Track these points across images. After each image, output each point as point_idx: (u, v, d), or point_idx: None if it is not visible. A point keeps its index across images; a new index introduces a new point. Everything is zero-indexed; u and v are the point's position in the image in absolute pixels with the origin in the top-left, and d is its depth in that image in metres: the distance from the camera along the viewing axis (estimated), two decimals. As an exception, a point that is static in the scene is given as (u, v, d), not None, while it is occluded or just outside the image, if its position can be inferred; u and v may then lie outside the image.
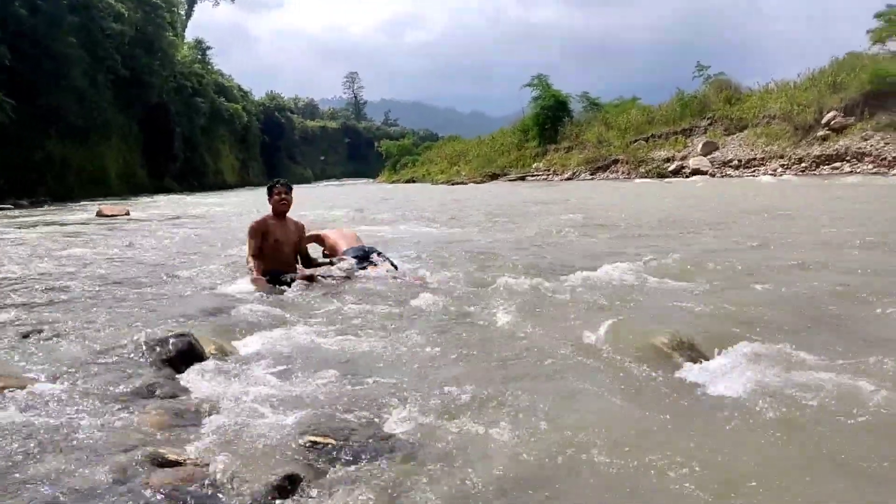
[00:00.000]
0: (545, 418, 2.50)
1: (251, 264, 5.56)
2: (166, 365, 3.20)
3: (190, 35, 59.38)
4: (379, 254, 5.97)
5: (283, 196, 5.66)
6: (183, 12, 55.65)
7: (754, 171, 24.67)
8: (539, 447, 2.27)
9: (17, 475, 2.05)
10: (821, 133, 23.92)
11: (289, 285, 5.21)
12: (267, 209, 5.86)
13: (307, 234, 6.19)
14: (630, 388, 2.82)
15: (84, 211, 19.00)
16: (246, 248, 5.81)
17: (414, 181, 44.60)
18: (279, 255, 5.54)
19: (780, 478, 2.05)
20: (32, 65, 30.21)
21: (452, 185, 35.11)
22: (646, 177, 27.85)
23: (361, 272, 5.64)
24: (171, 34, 46.71)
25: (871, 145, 21.89)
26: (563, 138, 36.37)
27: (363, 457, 2.22)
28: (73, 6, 32.67)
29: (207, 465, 2.14)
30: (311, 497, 1.98)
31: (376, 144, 69.36)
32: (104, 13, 35.78)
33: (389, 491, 2.02)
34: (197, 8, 62.86)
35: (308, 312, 4.37)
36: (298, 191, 6.00)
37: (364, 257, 5.87)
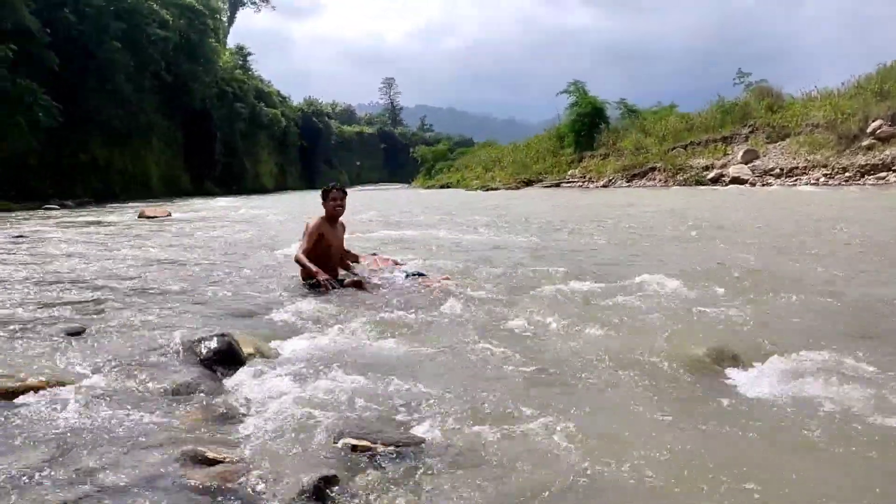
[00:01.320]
0: (583, 426, 2.47)
1: (305, 261, 5.47)
2: (206, 365, 3.25)
3: (231, 41, 60.54)
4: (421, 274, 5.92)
5: (340, 201, 5.70)
6: (225, 19, 56.73)
7: (796, 181, 24.12)
8: (576, 455, 2.25)
9: (60, 470, 2.10)
10: (866, 142, 23.28)
11: (341, 285, 5.28)
12: (310, 211, 5.89)
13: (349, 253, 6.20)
14: (669, 399, 2.78)
15: (127, 212, 19.46)
16: (296, 246, 5.72)
17: (448, 186, 44.65)
18: (328, 260, 5.55)
19: (827, 495, 1.99)
20: (79, 70, 31.13)
21: (487, 191, 35.06)
22: (683, 185, 27.43)
23: (399, 277, 5.65)
24: (213, 40, 47.68)
25: (920, 155, 21.23)
26: (600, 145, 36.05)
27: (399, 460, 2.23)
28: (118, 13, 33.58)
29: (246, 463, 2.17)
30: (347, 499, 1.99)
31: (411, 150, 69.70)
32: (149, 19, 36.68)
33: (424, 494, 2.02)
34: (238, 14, 64.04)
35: (346, 317, 4.40)
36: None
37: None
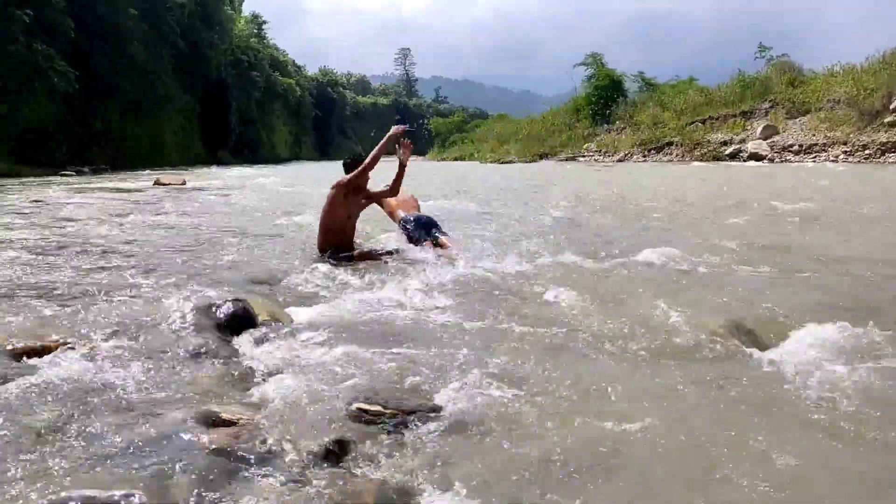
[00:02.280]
0: (596, 398, 2.46)
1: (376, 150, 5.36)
2: (220, 329, 3.27)
3: (246, 9, 60.05)
4: (440, 230, 5.92)
5: (364, 172, 5.63)
6: (240, -15, 56.26)
7: (815, 157, 23.76)
8: (588, 426, 2.24)
9: (72, 430, 2.12)
10: (888, 119, 22.83)
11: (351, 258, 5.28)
12: (324, 180, 5.81)
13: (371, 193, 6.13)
14: (683, 372, 2.76)
15: (142, 179, 19.55)
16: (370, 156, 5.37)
17: (462, 159, 44.42)
18: (346, 231, 5.48)
19: (837, 470, 1.98)
20: (94, 37, 31.06)
21: (501, 163, 34.86)
22: (701, 160, 27.12)
23: (412, 248, 5.65)
24: (228, 8, 47.37)
25: (944, 133, 20.82)
26: (616, 119, 35.63)
27: (411, 426, 2.23)
28: (134, -21, 33.44)
29: (260, 426, 2.18)
30: (359, 462, 2.00)
31: (424, 121, 69.12)
32: (165, -14, 36.51)
33: (435, 460, 2.02)
34: (253, -18, 63.45)
35: (361, 286, 4.39)
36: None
37: (426, 228, 5.86)
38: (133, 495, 1.73)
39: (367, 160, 5.37)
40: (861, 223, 7.57)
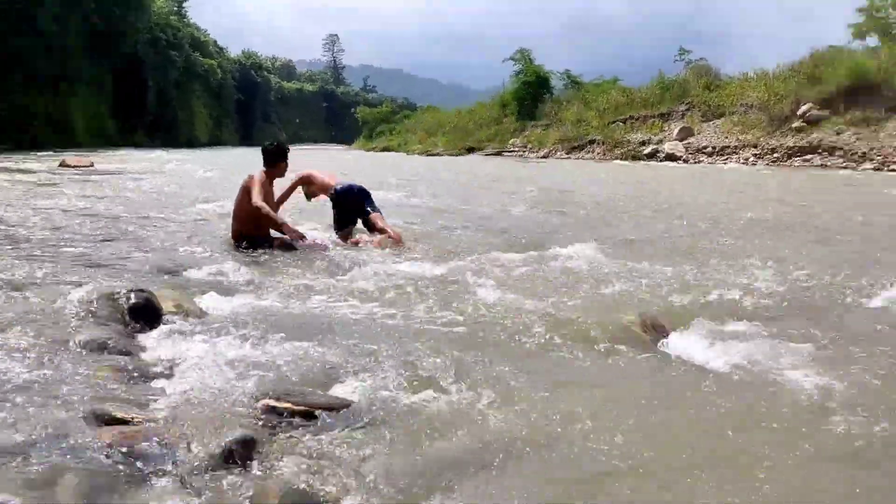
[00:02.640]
0: (512, 391, 2.45)
1: (270, 212, 5.14)
2: (121, 321, 3.08)
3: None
4: (372, 204, 5.94)
5: (286, 163, 5.49)
6: (159, -39, 53.81)
7: (727, 159, 24.87)
8: (505, 419, 2.22)
9: (-49, 428, 1.94)
10: (796, 124, 24.14)
11: (270, 246, 5.13)
12: (245, 167, 5.64)
13: (297, 179, 6.03)
14: (597, 364, 2.80)
15: (47, 160, 18.44)
16: (256, 197, 5.14)
17: (389, 150, 44.16)
18: (263, 221, 5.30)
19: (741, 446, 2.04)
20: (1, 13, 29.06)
21: (429, 156, 34.84)
22: (620, 159, 27.91)
23: (333, 237, 5.54)
24: (146, -17, 45.33)
25: (844, 140, 22.15)
26: (542, 115, 36.21)
27: (322, 423, 2.15)
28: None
29: (156, 424, 2.05)
30: (265, 462, 1.91)
31: (353, 110, 68.47)
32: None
33: (347, 456, 1.95)
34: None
35: (273, 278, 4.25)
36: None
37: (361, 198, 5.88)
38: (9, 502, 1.58)
39: (267, 209, 5.16)
40: (769, 225, 7.94)
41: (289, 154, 5.50)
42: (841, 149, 22.00)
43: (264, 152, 5.44)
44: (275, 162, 5.39)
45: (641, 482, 1.90)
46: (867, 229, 7.41)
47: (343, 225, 5.91)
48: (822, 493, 1.87)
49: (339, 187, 5.94)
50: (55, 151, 24.64)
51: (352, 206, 5.89)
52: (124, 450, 1.88)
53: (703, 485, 1.87)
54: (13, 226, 5.80)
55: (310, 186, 6.13)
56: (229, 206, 7.00)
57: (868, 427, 2.21)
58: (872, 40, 25.92)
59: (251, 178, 5.27)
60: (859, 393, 2.49)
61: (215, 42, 69.22)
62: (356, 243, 5.52)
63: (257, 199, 5.09)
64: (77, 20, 35.99)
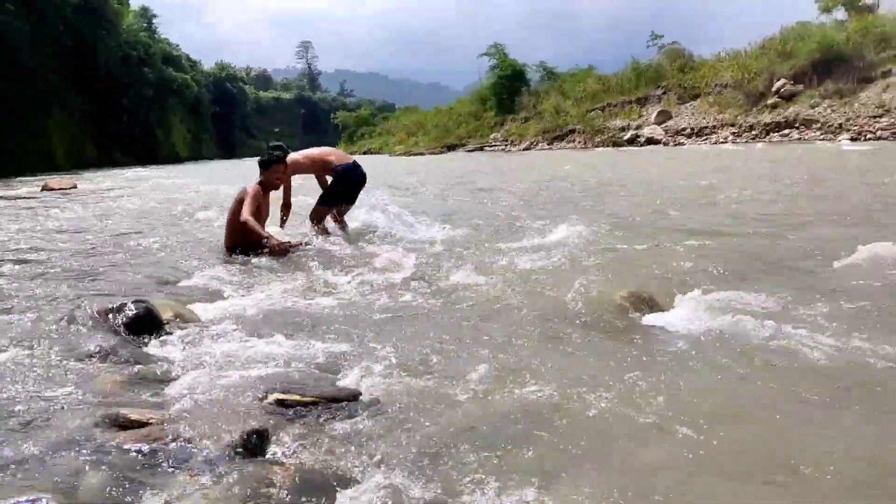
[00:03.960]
0: (511, 372, 2.53)
1: (256, 225, 5.12)
2: (124, 332, 3.13)
3: (135, 2, 57.17)
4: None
5: (281, 173, 5.52)
6: (127, -22, 53.46)
7: (706, 139, 25.13)
8: (507, 399, 2.31)
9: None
10: (771, 101, 24.44)
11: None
12: (230, 180, 5.69)
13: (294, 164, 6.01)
14: (593, 341, 2.89)
15: (29, 186, 18.32)
16: (245, 210, 5.17)
17: (371, 152, 44.14)
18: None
19: (734, 411, 2.14)
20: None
21: (410, 156, 34.88)
22: (602, 146, 28.11)
23: (322, 239, 5.61)
24: (115, 2, 44.99)
25: (819, 112, 22.47)
26: (521, 108, 36.38)
27: (330, 413, 2.23)
28: (10, -29, 31.19)
29: (172, 424, 2.12)
30: (279, 451, 1.98)
31: (332, 115, 68.35)
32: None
33: (357, 443, 2.03)
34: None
35: (269, 280, 4.32)
36: (249, 163, 5.86)
37: (356, 184, 6.11)
38: (41, 500, 1.64)
39: (250, 211, 5.19)
40: (750, 198, 8.08)
41: (281, 155, 5.52)
42: (817, 121, 22.30)
43: (261, 164, 5.51)
44: (266, 168, 5.44)
45: (637, 451, 1.99)
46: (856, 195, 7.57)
47: (333, 203, 6.07)
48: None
49: (345, 165, 6.10)
50: (37, 177, 24.46)
51: (350, 188, 6.08)
52: (144, 449, 1.95)
53: (701, 457, 1.96)
54: (6, 249, 5.81)
55: (309, 171, 6.23)
56: (213, 215, 7.09)
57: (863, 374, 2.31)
58: (840, 14, 26.25)
59: (244, 190, 5.33)
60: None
61: (188, 56, 68.88)
62: (325, 231, 5.80)
63: (245, 213, 5.14)
64: (48, 43, 35.70)
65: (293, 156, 5.99)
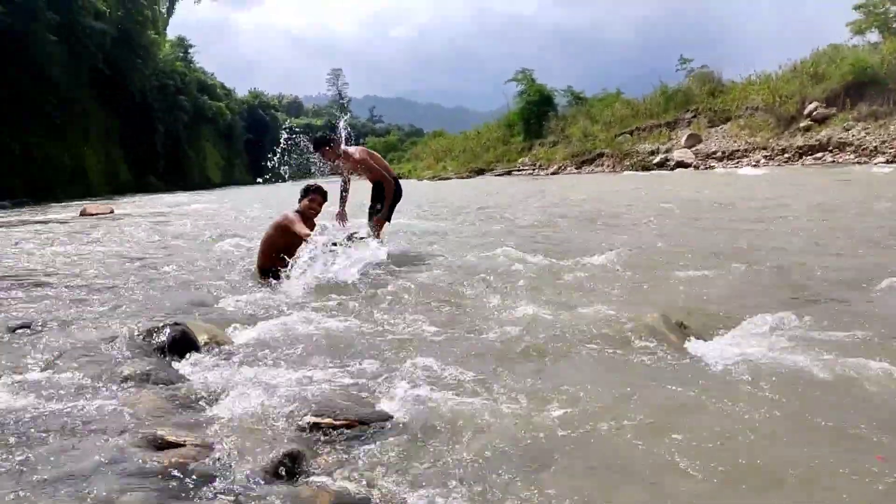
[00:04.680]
0: (542, 394, 2.53)
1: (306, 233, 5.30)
2: (160, 354, 3.19)
3: (172, 32, 58.83)
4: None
5: (319, 205, 5.67)
6: (164, 9, 55.06)
7: (737, 163, 24.85)
8: (536, 422, 2.30)
9: (14, 460, 2.04)
10: (803, 124, 24.13)
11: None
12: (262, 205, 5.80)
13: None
14: (623, 365, 2.86)
15: (67, 211, 18.80)
16: (301, 230, 5.33)
17: (400, 177, 44.40)
18: (290, 251, 5.41)
19: (771, 445, 2.09)
20: (11, 61, 29.84)
21: (439, 180, 35.08)
22: (630, 169, 27.98)
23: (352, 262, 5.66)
24: (152, 32, 46.34)
25: (853, 135, 22.12)
26: (549, 132, 36.43)
27: (363, 435, 2.24)
28: (52, 3, 32.26)
29: (208, 446, 2.15)
30: (313, 474, 2.00)
31: (362, 141, 69.20)
32: (85, 10, 35.37)
33: (390, 466, 2.04)
34: (179, 5, 62.18)
35: (299, 301, 4.37)
36: (284, 188, 6.01)
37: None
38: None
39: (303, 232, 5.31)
40: (785, 222, 7.97)
41: (320, 197, 5.64)
42: (851, 144, 21.95)
43: (301, 191, 5.69)
44: (302, 198, 5.59)
45: (668, 477, 1.96)
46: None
47: (391, 215, 6.54)
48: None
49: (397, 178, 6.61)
50: (74, 201, 25.10)
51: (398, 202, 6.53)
52: (180, 471, 1.98)
53: (729, 486, 1.93)
54: (45, 274, 5.97)
55: (369, 170, 6.62)
56: (248, 241, 7.20)
57: None
58: (873, 36, 25.95)
59: (284, 216, 5.46)
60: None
61: (222, 84, 70.41)
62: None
63: (303, 231, 5.27)
64: (86, 71, 36.83)
65: (364, 151, 6.66)
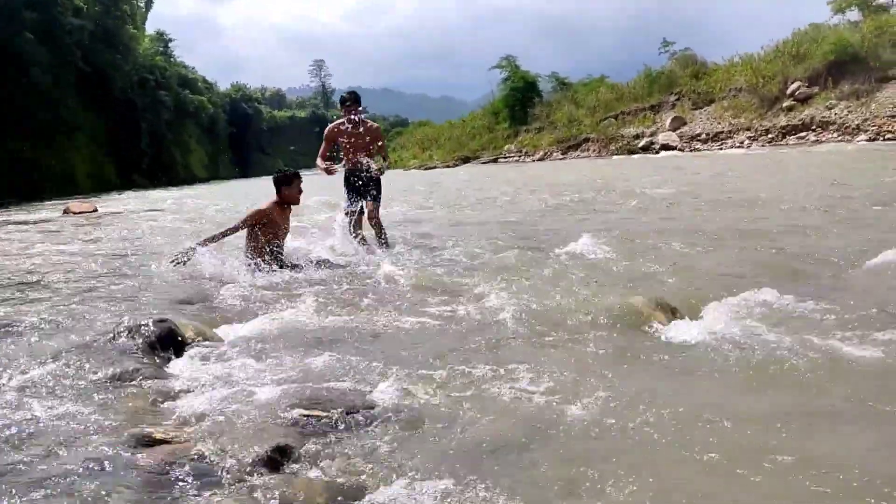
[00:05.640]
0: (532, 381, 2.53)
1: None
2: (146, 351, 3.16)
3: (151, 27, 58.16)
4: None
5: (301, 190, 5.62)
6: (142, 4, 54.40)
7: (722, 144, 24.98)
8: (527, 408, 2.30)
9: (1, 462, 2.02)
10: (786, 104, 24.26)
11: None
12: (247, 198, 5.75)
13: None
14: (613, 348, 2.87)
15: (51, 210, 18.61)
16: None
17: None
18: (275, 247, 5.38)
19: (763, 429, 2.11)
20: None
21: (425, 169, 35.01)
22: (616, 154, 28.05)
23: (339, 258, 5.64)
24: (131, 27, 45.81)
25: (836, 114, 22.26)
26: (534, 119, 36.41)
27: (351, 427, 2.24)
28: (30, 3, 31.80)
29: (196, 442, 2.14)
30: (302, 467, 1.99)
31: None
32: (63, 8, 34.89)
33: (379, 456, 2.04)
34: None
35: (287, 295, 4.35)
36: (264, 182, 5.95)
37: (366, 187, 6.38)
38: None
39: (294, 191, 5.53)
40: (766, 202, 8.01)
41: (294, 180, 5.56)
42: (834, 123, 22.09)
43: (275, 181, 5.56)
44: (278, 189, 5.49)
45: (659, 461, 1.97)
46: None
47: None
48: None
49: (367, 165, 6.50)
50: (60, 201, 24.84)
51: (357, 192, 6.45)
52: (169, 467, 1.97)
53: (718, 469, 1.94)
54: (28, 273, 5.91)
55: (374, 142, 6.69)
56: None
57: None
58: (853, 14, 26.05)
59: (266, 206, 5.39)
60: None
61: (204, 78, 69.77)
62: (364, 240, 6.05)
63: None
64: (67, 69, 36.39)
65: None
